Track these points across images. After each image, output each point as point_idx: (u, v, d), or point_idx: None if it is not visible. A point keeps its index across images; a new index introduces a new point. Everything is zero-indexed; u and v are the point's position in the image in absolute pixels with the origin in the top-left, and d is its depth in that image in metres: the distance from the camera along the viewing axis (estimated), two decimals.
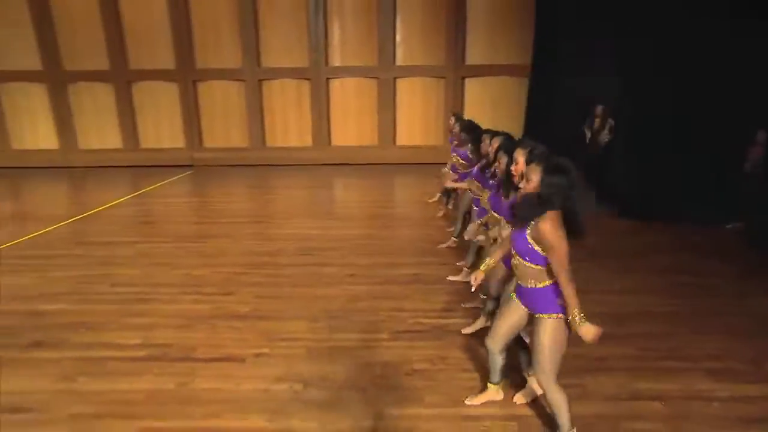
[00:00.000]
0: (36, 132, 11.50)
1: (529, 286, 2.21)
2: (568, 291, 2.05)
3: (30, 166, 11.23)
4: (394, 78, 10.93)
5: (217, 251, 5.38)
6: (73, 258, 5.26)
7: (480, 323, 3.41)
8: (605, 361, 3.06)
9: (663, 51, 5.77)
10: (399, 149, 11.28)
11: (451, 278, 4.32)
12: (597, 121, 7.77)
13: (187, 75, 11.06)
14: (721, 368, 2.96)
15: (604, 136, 7.65)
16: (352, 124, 11.36)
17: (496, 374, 2.58)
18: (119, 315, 3.79)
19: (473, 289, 2.59)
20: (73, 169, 11.32)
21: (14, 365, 3.12)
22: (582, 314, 2.06)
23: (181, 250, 5.47)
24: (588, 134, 7.98)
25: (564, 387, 2.71)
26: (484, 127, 5.27)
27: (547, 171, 2.04)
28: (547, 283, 2.16)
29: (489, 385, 2.63)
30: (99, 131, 11.57)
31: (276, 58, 11.00)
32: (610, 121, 7.60)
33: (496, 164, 3.08)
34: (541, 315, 2.21)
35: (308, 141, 11.49)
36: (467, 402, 2.65)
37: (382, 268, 4.74)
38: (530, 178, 2.12)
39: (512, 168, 2.61)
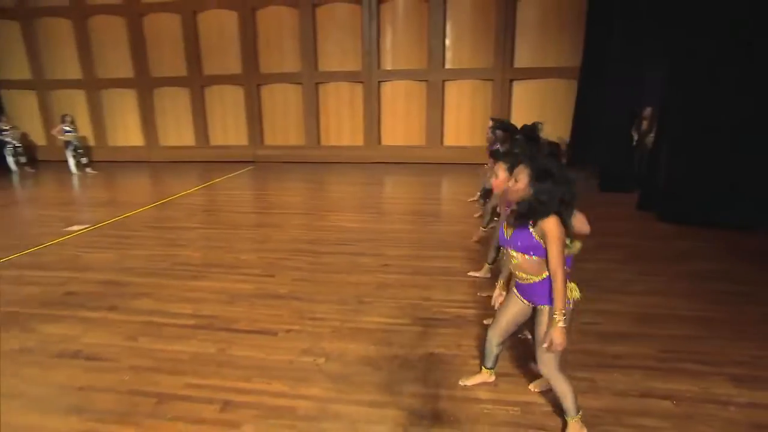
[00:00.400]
0: (126, 131, 12.68)
1: (529, 282, 2.23)
2: (559, 287, 2.05)
3: (121, 161, 12.41)
4: (443, 80, 10.91)
5: (265, 238, 5.72)
6: (146, 239, 5.82)
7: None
8: (621, 358, 2.98)
9: (714, 53, 5.38)
10: (446, 149, 11.26)
11: (471, 273, 4.31)
12: (645, 123, 7.36)
13: (252, 79, 11.70)
14: (746, 375, 2.78)
15: (652, 139, 7.23)
16: (401, 124, 11.49)
17: (490, 360, 2.64)
18: (177, 289, 4.18)
19: (495, 306, 2.61)
20: (154, 163, 12.39)
21: (95, 323, 3.57)
22: (563, 315, 2.06)
23: (234, 236, 5.86)
24: (635, 137, 7.58)
25: (572, 380, 2.70)
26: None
27: (536, 177, 2.05)
28: (546, 275, 2.17)
29: (483, 369, 2.68)
30: (176, 130, 12.54)
31: (332, 62, 11.35)
32: (657, 123, 7.17)
33: None
34: (543, 306, 2.23)
35: (359, 140, 11.76)
36: (461, 383, 2.72)
37: (414, 260, 4.83)
38: (518, 178, 2.13)
39: (492, 181, 2.72)
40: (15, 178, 10.20)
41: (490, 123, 6.01)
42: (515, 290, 2.37)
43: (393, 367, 2.93)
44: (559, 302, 2.05)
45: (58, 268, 4.78)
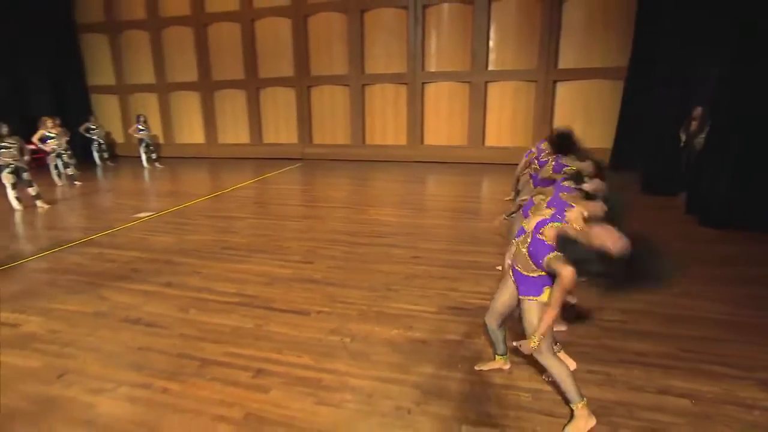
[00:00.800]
0: (190, 129, 13.55)
1: (522, 272, 2.27)
2: (548, 319, 2.08)
3: (184, 156, 13.28)
4: (485, 82, 10.78)
5: (307, 228, 5.97)
6: (200, 226, 6.25)
7: None
8: (642, 356, 2.90)
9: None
10: (487, 149, 11.11)
11: (498, 268, 4.30)
12: (694, 124, 6.91)
13: (303, 82, 12.12)
14: None
15: (701, 140, 6.78)
16: (443, 124, 11.47)
17: (499, 346, 2.68)
18: (224, 270, 4.49)
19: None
20: (214, 159, 13.15)
21: (154, 296, 3.94)
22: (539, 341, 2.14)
23: (279, 226, 6.16)
24: (683, 138, 7.13)
25: (589, 373, 2.69)
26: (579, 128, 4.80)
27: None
28: (537, 274, 2.20)
29: (496, 357, 2.71)
30: (233, 129, 13.24)
31: (378, 65, 11.53)
32: (709, 124, 6.71)
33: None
34: (523, 297, 2.28)
35: (403, 140, 11.86)
36: (476, 368, 2.76)
37: (445, 254, 4.87)
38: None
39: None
40: (98, 171, 11.21)
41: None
42: (511, 272, 2.41)
43: (412, 349, 3.03)
44: (543, 326, 2.11)
45: (127, 248, 5.26)
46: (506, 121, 10.91)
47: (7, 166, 6.87)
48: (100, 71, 13.46)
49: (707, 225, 5.65)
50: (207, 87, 12.90)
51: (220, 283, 4.16)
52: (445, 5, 10.73)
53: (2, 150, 6.82)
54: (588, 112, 10.27)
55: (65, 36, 12.77)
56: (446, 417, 2.39)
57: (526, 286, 2.27)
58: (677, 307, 3.51)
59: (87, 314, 3.62)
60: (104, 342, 3.20)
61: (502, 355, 2.70)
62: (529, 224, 2.27)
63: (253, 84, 12.55)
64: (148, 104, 13.29)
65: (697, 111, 6.89)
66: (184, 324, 3.42)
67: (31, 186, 7.16)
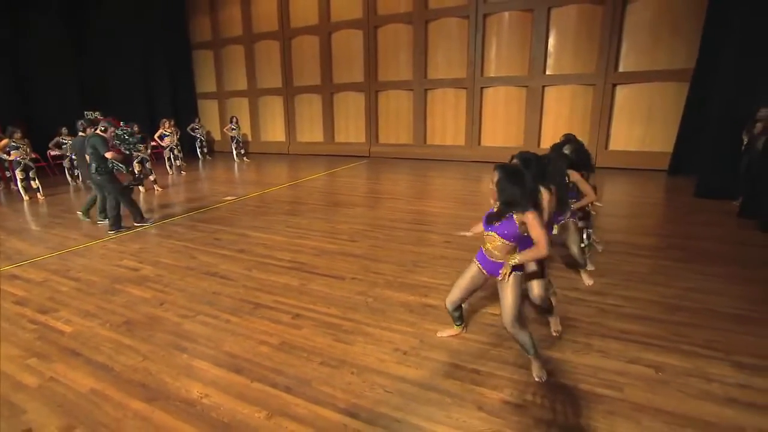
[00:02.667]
0: (274, 129, 14.96)
1: (499, 261, 2.52)
2: (532, 254, 2.38)
3: (268, 152, 14.69)
4: (543, 86, 10.64)
5: (358, 214, 6.56)
6: (272, 208, 7.11)
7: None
8: (627, 334, 3.05)
9: None
10: (541, 151, 10.92)
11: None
12: (758, 125, 6.38)
13: (372, 87, 12.83)
14: (755, 364, 2.66)
15: (764, 142, 6.26)
16: (500, 127, 11.50)
17: (456, 321, 3.05)
18: (284, 244, 5.23)
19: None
20: (292, 155, 14.39)
21: (229, 259, 4.75)
22: (516, 262, 2.42)
23: (336, 211, 6.82)
24: (745, 140, 6.61)
25: (571, 343, 2.93)
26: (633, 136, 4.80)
27: (505, 178, 2.39)
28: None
29: (454, 326, 3.09)
30: (309, 129, 14.37)
31: (440, 71, 11.87)
32: None
33: None
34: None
35: (461, 141, 12.08)
36: (438, 335, 3.11)
37: (475, 241, 5.14)
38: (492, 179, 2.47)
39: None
40: (199, 164, 12.90)
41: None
42: (479, 263, 2.67)
43: (423, 311, 3.46)
44: (525, 256, 2.39)
45: (214, 223, 6.26)
46: (563, 123, 10.67)
47: (137, 158, 8.37)
48: (205, 80, 15.40)
49: (761, 229, 5.30)
50: (289, 92, 14.16)
51: (280, 252, 4.89)
52: (506, 13, 10.77)
53: (136, 144, 8.30)
54: (649, 115, 9.75)
55: (181, 53, 14.90)
56: (435, 360, 2.80)
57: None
58: (686, 299, 3.54)
59: (181, 267, 4.53)
60: (190, 286, 4.04)
61: (459, 325, 3.08)
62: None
63: (327, 89, 13.53)
64: (241, 107, 14.91)
65: (763, 112, 6.36)
66: (247, 279, 4.17)
67: (151, 173, 8.65)
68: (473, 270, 2.74)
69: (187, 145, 12.78)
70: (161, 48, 14.03)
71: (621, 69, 9.85)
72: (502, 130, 11.51)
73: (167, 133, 10.34)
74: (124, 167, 5.93)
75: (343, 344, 3.00)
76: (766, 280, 3.91)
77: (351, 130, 13.71)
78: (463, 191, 8.64)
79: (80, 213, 6.63)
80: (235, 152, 12.89)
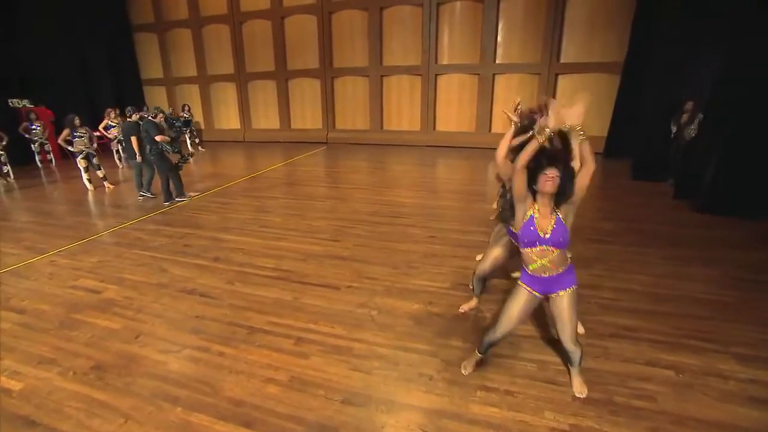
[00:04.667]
0: (228, 116, 13.50)
1: (558, 272, 2.10)
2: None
3: (223, 140, 13.30)
4: (493, 74, 10.40)
5: (332, 208, 5.95)
6: (240, 205, 6.28)
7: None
8: (634, 331, 2.87)
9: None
10: (493, 136, 10.80)
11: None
12: (685, 116, 6.59)
13: (327, 73, 11.87)
14: (752, 355, 2.58)
15: (691, 131, 6.49)
16: (454, 112, 11.19)
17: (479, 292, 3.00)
18: (263, 247, 4.53)
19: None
20: (247, 142, 13.14)
21: (205, 270, 4.00)
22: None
23: (308, 206, 6.15)
24: (674, 129, 6.82)
25: (588, 346, 2.67)
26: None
27: (566, 175, 1.93)
28: (569, 262, 2.14)
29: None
30: (265, 115, 13.15)
31: (395, 58, 11.20)
32: (700, 116, 6.40)
33: None
34: (563, 292, 2.14)
35: (417, 126, 11.64)
36: (460, 310, 3.11)
37: (457, 234, 4.83)
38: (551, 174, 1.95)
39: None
40: None
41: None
42: (528, 286, 2.19)
43: (432, 323, 3.05)
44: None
45: (180, 225, 5.35)
46: (511, 110, 10.57)
47: (81, 152, 7.00)
48: (151, 66, 13.41)
49: (695, 210, 5.47)
50: (242, 78, 12.75)
51: (261, 259, 4.22)
52: (458, 3, 10.26)
53: (77, 138, 6.93)
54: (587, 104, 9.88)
55: (122, 36, 12.75)
56: (464, 384, 2.42)
57: (563, 281, 2.13)
58: (665, 287, 3.45)
59: (152, 284, 3.73)
60: (167, 309, 3.30)
61: (478, 296, 3.07)
62: (542, 226, 2.03)
63: (282, 75, 12.35)
64: (191, 94, 13.24)
65: (689, 104, 6.56)
66: (232, 295, 3.50)
67: (99, 169, 7.30)
68: (523, 296, 2.22)
69: None
70: (99, 30, 11.83)
71: (562, 60, 9.83)
72: (456, 116, 11.21)
73: (113, 124, 8.81)
74: (171, 148, 6.21)
75: (360, 373, 2.52)
76: (719, 260, 3.96)
77: (307, 117, 12.72)
78: (426, 178, 8.29)
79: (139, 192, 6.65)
80: (189, 141, 11.44)
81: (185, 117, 6.93)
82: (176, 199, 6.41)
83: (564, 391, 2.33)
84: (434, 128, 11.48)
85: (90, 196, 7.12)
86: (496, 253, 2.94)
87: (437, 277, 3.74)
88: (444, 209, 5.87)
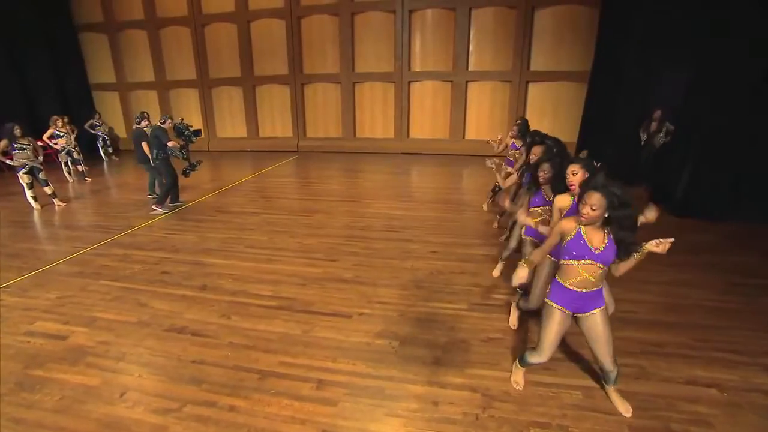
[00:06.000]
0: (191, 124, 12.57)
1: (596, 288, 2.08)
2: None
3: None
4: (466, 81, 10.46)
5: (320, 224, 5.58)
6: (217, 222, 5.74)
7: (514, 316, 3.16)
8: (661, 346, 2.82)
9: (727, 57, 4.95)
10: (467, 142, 10.88)
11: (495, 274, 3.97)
12: (653, 124, 6.92)
13: (297, 79, 11.41)
14: None
15: (660, 139, 6.82)
16: (427, 120, 11.12)
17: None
18: (254, 271, 4.11)
19: (514, 285, 2.22)
20: (213, 152, 12.33)
21: (192, 301, 3.53)
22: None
23: (293, 221, 5.74)
24: (643, 137, 7.13)
25: (622, 366, 2.55)
26: (543, 127, 4.91)
27: (620, 206, 1.89)
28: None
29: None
30: (231, 124, 12.40)
31: (367, 64, 10.96)
32: (668, 125, 6.74)
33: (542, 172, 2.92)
34: (597, 309, 2.13)
35: (390, 133, 11.45)
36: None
37: (458, 248, 4.65)
38: (594, 205, 1.91)
39: (571, 177, 2.52)
40: (105, 166, 10.26)
41: (516, 127, 5.49)
42: (562, 306, 2.15)
43: (460, 351, 2.83)
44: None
45: (152, 249, 4.77)
46: (484, 116, 10.70)
47: (23, 166, 6.11)
48: (100, 69, 12.23)
49: (673, 214, 5.69)
50: (205, 84, 11.96)
51: (255, 285, 3.80)
52: (430, 10, 10.23)
53: (17, 151, 6.05)
54: (555, 110, 10.19)
55: (65, 36, 11.49)
56: (514, 421, 2.22)
57: (598, 298, 2.12)
58: (674, 296, 3.47)
59: (131, 323, 3.22)
60: (155, 354, 2.83)
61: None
62: (594, 241, 2.02)
63: (249, 81, 11.71)
64: (149, 101, 12.22)
65: (657, 113, 6.89)
66: (229, 332, 3.08)
67: (47, 185, 6.42)
68: (558, 317, 2.17)
69: (86, 144, 10.03)
70: (37, 28, 10.55)
71: (532, 68, 10.08)
72: (429, 123, 11.15)
73: (61, 133, 7.86)
74: (181, 154, 6.17)
75: (399, 419, 2.24)
76: (710, 265, 4.07)
77: (277, 125, 12.15)
78: (408, 188, 8.13)
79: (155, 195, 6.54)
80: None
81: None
82: (170, 204, 6.38)
83: (618, 421, 2.19)
84: (408, 135, 11.36)
85: (36, 216, 6.26)
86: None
87: (451, 298, 3.53)
88: (437, 221, 5.69)
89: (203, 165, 6.99)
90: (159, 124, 6.31)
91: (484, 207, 6.09)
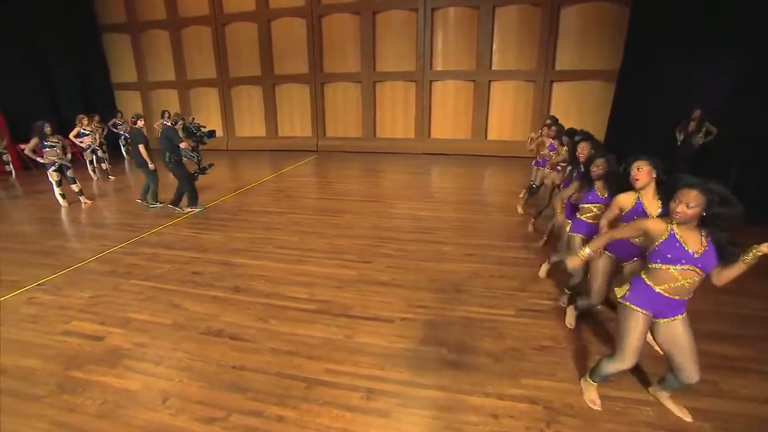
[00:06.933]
0: (210, 123, 12.57)
1: (687, 297, 1.94)
2: None
3: (204, 149, 12.37)
4: (489, 81, 10.27)
5: (348, 224, 5.47)
6: (243, 222, 5.67)
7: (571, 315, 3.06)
8: (732, 360, 2.63)
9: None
10: (489, 143, 10.70)
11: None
12: (692, 124, 6.62)
13: (317, 78, 11.36)
14: None
15: (699, 139, 6.52)
16: (449, 119, 10.96)
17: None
18: (286, 273, 4.00)
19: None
20: (231, 151, 12.35)
21: (226, 304, 3.43)
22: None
23: (319, 221, 5.64)
24: (679, 137, 6.83)
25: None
26: (568, 127, 4.80)
27: (721, 203, 1.73)
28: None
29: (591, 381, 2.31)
30: (250, 123, 12.42)
31: (388, 63, 10.85)
32: (708, 125, 6.45)
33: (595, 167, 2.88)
34: (680, 315, 1.99)
35: (411, 133, 11.32)
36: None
37: (493, 250, 4.50)
38: (692, 203, 1.76)
39: (635, 173, 2.41)
40: (126, 165, 10.32)
41: (551, 126, 5.37)
42: (645, 309, 1.99)
43: (512, 359, 2.67)
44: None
45: (181, 248, 4.71)
46: (507, 117, 10.49)
47: (53, 163, 6.14)
48: (123, 69, 12.37)
49: None
50: (224, 83, 11.99)
51: (288, 288, 3.69)
52: (452, 9, 10.07)
53: (47, 149, 6.08)
54: (580, 110, 9.92)
55: (88, 36, 11.64)
56: None
57: (685, 304, 1.99)
58: (727, 305, 3.25)
59: (166, 325, 3.13)
60: (194, 359, 2.73)
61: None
62: (691, 244, 1.85)
63: (269, 80, 11.71)
64: (169, 100, 12.31)
65: (697, 112, 6.59)
66: (268, 336, 2.97)
67: (74, 183, 6.44)
68: (640, 320, 2.00)
69: (109, 143, 10.09)
70: (62, 29, 10.71)
71: (557, 67, 9.84)
72: (451, 123, 10.98)
73: (87, 132, 7.90)
74: (194, 156, 6.06)
75: None
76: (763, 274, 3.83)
77: (296, 124, 12.12)
78: (432, 188, 7.97)
79: (147, 202, 6.32)
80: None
81: (53, 134, 5.81)
82: (186, 209, 6.15)
83: None
84: (429, 135, 11.20)
85: (64, 213, 6.28)
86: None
87: (493, 303, 3.37)
88: (465, 222, 5.53)
89: (222, 165, 6.95)
90: (170, 124, 6.11)
91: (519, 209, 5.91)
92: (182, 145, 5.84)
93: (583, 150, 3.36)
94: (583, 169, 3.08)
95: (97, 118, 8.08)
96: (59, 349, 2.86)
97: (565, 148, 4.31)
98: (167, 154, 5.82)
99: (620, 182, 2.59)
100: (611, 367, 2.11)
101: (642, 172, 2.38)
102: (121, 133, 10.33)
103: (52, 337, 3.01)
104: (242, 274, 3.99)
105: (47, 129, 6.07)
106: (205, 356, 2.75)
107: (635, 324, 1.99)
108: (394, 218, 5.74)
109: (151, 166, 6.06)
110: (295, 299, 3.48)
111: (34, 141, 6.04)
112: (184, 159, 6.01)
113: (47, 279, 3.97)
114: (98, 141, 8.11)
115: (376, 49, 10.77)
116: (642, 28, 8.20)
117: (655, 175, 2.38)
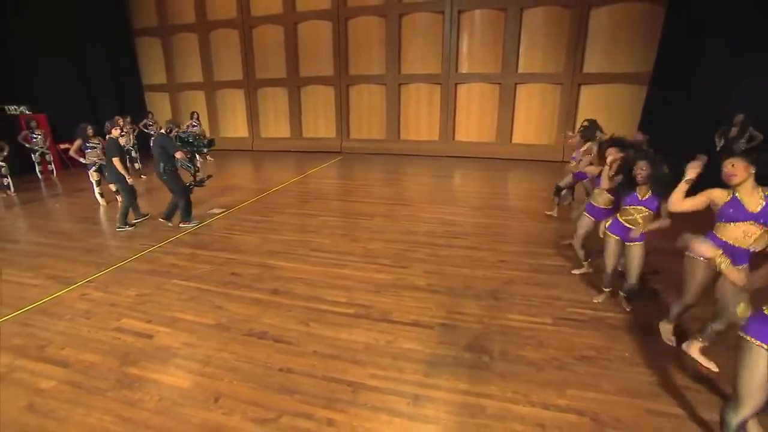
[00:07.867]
0: (235, 124, 12.94)
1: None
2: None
3: (230, 149, 12.72)
4: (515, 84, 10.18)
5: (380, 228, 5.52)
6: (276, 224, 5.78)
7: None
8: None
9: None
10: (514, 146, 10.61)
11: (574, 271, 4.07)
12: (734, 129, 6.42)
13: (342, 80, 11.48)
14: None
15: (741, 145, 6.33)
16: (474, 122, 10.92)
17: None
18: (324, 276, 4.08)
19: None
20: (256, 152, 12.61)
21: (267, 306, 3.53)
22: None
23: (351, 224, 5.72)
24: (719, 142, 6.64)
25: None
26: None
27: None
28: None
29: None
30: (275, 124, 12.65)
31: (414, 66, 10.89)
32: (752, 130, 6.25)
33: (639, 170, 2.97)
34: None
35: (435, 136, 11.33)
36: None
37: (524, 256, 4.48)
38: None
39: (730, 169, 2.39)
40: None
41: (582, 129, 5.37)
42: (763, 344, 1.68)
43: (554, 368, 2.67)
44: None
45: (217, 249, 4.85)
46: (533, 120, 10.38)
47: (93, 164, 6.43)
48: (153, 71, 12.80)
49: None
50: (251, 85, 12.25)
51: (327, 291, 3.77)
52: (478, 11, 10.03)
53: (89, 150, 6.37)
54: (609, 114, 9.72)
55: (123, 40, 12.12)
56: None
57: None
58: None
59: (210, 326, 3.24)
60: (241, 360, 2.83)
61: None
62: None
63: (294, 82, 11.90)
64: (196, 101, 12.66)
65: (739, 117, 6.40)
66: (311, 340, 3.04)
67: (112, 182, 6.69)
68: (763, 360, 1.67)
69: (139, 143, 10.45)
70: (99, 34, 11.18)
71: (585, 70, 9.68)
72: (476, 126, 10.94)
73: (95, 145, 8.18)
74: (192, 167, 5.74)
75: None
76: None
77: (321, 125, 12.28)
78: (460, 192, 7.95)
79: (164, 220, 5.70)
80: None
81: (93, 136, 5.52)
82: (180, 224, 5.66)
83: None
84: (454, 138, 11.19)
85: (103, 212, 6.55)
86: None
87: (531, 311, 3.37)
88: (497, 227, 5.52)
89: (247, 165, 7.04)
90: (164, 133, 5.51)
91: (554, 213, 5.88)
92: (178, 155, 5.38)
93: (610, 155, 3.38)
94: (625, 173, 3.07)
95: (128, 119, 8.36)
96: (113, 345, 3.00)
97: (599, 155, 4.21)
98: (161, 164, 5.37)
99: (668, 182, 2.63)
100: (737, 416, 1.75)
101: (737, 167, 2.35)
102: (152, 133, 10.66)
103: (106, 333, 3.16)
104: (280, 277, 4.09)
105: (89, 131, 6.36)
106: (251, 357, 2.84)
107: (756, 363, 1.68)
108: (424, 222, 5.77)
109: (129, 180, 5.56)
110: (335, 303, 3.56)
111: (78, 142, 6.33)
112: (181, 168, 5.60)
113: (94, 276, 4.16)
114: (132, 141, 8.38)
115: (401, 51, 10.82)
116: (679, 29, 7.99)
117: (753, 171, 2.34)
